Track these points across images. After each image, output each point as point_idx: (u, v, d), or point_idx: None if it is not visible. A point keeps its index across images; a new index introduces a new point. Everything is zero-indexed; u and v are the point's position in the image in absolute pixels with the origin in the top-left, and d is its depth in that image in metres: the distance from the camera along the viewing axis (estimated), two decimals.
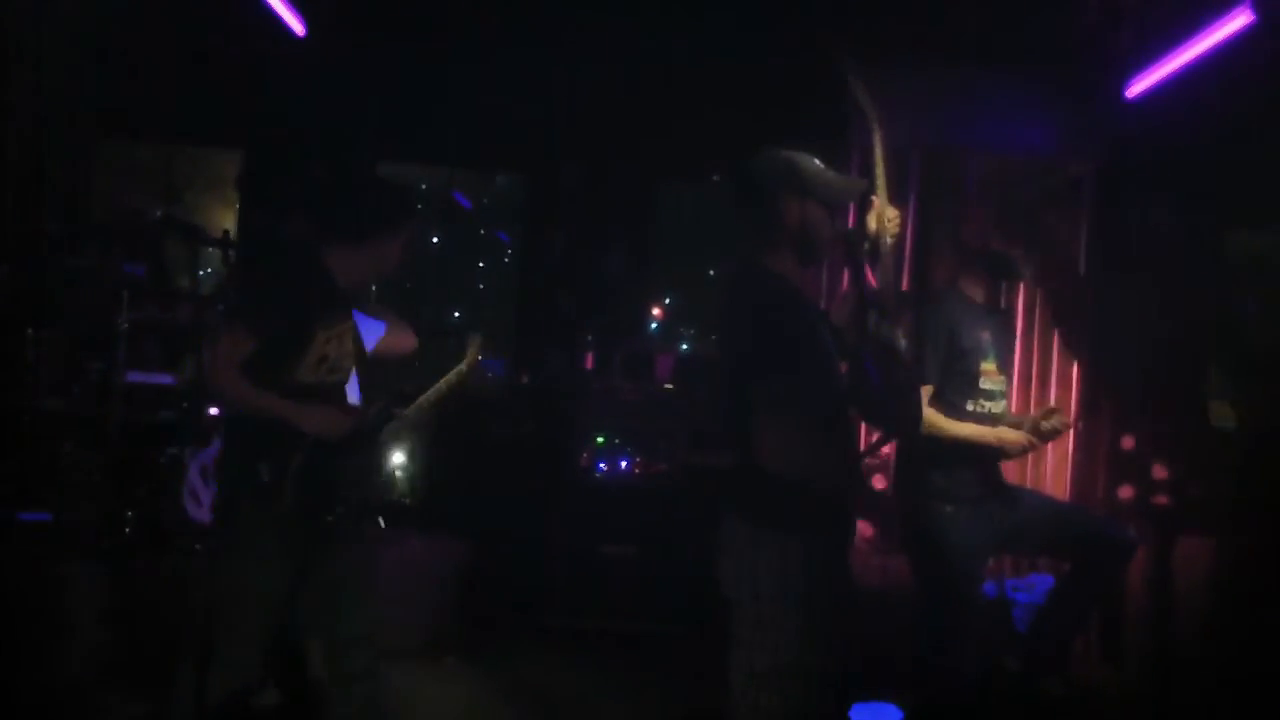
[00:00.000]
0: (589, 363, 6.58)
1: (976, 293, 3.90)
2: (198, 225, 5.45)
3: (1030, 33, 5.56)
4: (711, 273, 10.46)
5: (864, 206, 3.11)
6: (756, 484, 2.73)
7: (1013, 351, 4.01)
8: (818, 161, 2.99)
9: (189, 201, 7.90)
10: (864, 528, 5.48)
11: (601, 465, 6.05)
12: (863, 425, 4.90)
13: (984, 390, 3.80)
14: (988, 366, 3.80)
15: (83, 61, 5.98)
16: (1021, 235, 3.89)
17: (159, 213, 5.26)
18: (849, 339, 2.93)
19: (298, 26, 5.86)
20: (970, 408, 3.77)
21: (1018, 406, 5.87)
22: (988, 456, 3.77)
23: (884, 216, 3.07)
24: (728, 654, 2.79)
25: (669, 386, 6.29)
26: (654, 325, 7.79)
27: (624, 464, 6.07)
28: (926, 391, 3.67)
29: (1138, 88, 5.54)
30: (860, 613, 3.18)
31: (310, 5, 5.89)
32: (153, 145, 7.57)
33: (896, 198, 3.17)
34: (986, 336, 3.82)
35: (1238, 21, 4.84)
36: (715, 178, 7.60)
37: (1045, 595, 4.91)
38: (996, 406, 3.84)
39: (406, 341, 3.76)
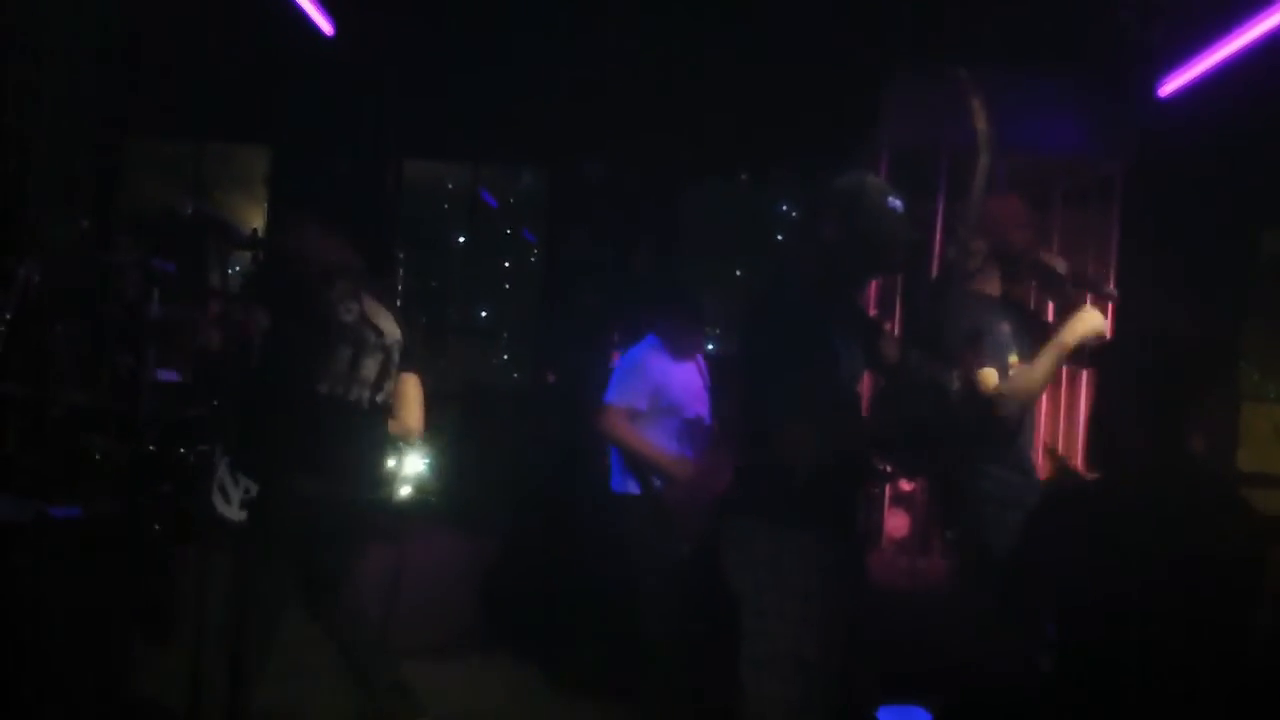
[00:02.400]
0: (615, 361, 6.57)
1: (989, 286, 3.82)
2: (230, 221, 5.47)
3: (1062, 32, 5.53)
4: (738, 272, 10.43)
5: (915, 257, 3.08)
6: (757, 480, 2.83)
7: (1032, 341, 3.95)
8: (889, 197, 2.97)
9: (218, 199, 7.94)
10: (897, 528, 5.46)
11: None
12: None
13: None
14: (1013, 359, 3.75)
15: (113, 59, 6.02)
16: (1038, 229, 3.82)
17: (190, 209, 5.27)
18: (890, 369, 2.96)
19: (326, 25, 5.88)
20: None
21: (1047, 408, 5.85)
22: (1024, 448, 3.71)
23: (967, 252, 3.03)
24: (737, 646, 2.85)
25: None
26: None
27: None
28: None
29: (1170, 86, 5.49)
30: (876, 610, 3.18)
31: (338, 4, 5.91)
32: (182, 142, 7.62)
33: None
34: (1007, 328, 3.76)
35: (1272, 20, 4.79)
36: (744, 176, 7.58)
37: None
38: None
39: None
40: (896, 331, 3.24)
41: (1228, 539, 2.42)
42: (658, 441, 4.45)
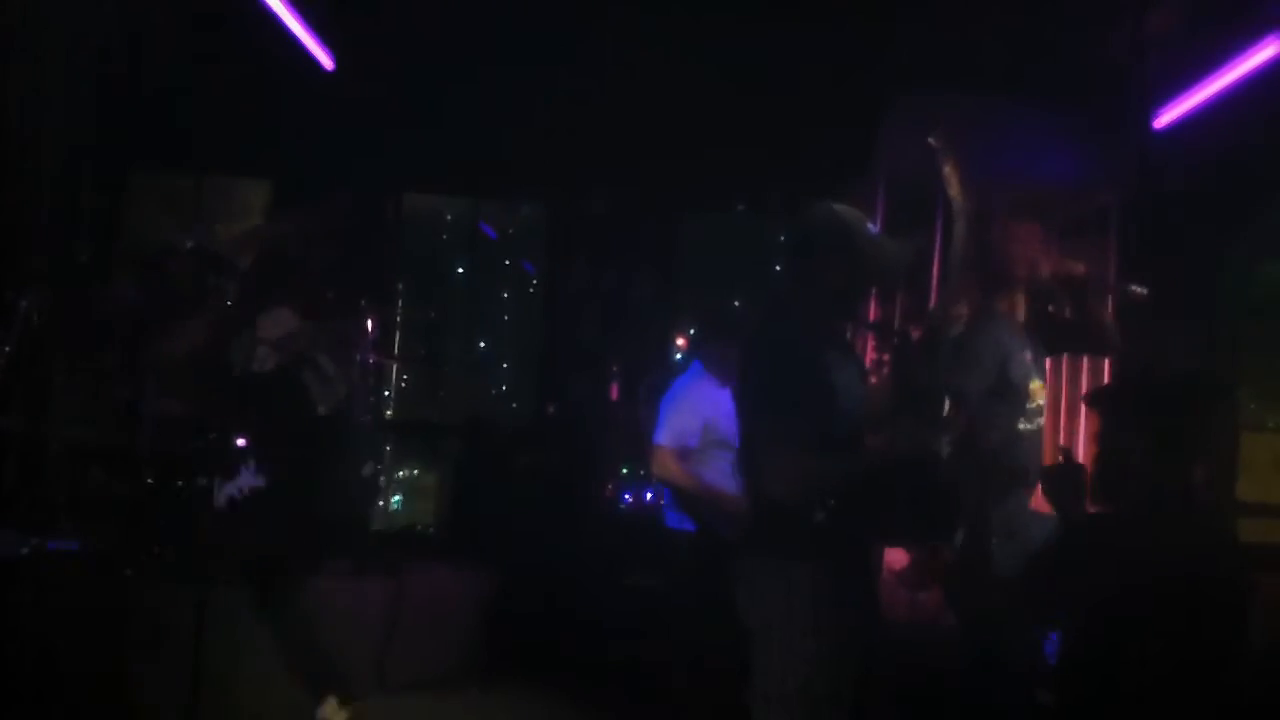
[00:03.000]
0: (614, 393, 6.58)
1: (1018, 313, 3.83)
2: (227, 256, 5.50)
3: (1058, 63, 5.56)
4: (736, 303, 10.45)
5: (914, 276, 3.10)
6: (764, 516, 2.83)
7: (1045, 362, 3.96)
8: (870, 225, 2.99)
9: (219, 232, 7.96)
10: (897, 559, 5.43)
11: (627, 496, 6.03)
12: None
13: (1033, 409, 3.76)
14: (1035, 386, 3.76)
15: (115, 92, 6.06)
16: (1062, 255, 3.85)
17: (189, 243, 5.29)
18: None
19: (326, 60, 5.92)
20: (1021, 427, 3.73)
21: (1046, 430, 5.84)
22: (1027, 482, 3.72)
23: (949, 316, 3.04)
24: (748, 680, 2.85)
25: None
26: (679, 355, 7.78)
27: (649, 495, 6.04)
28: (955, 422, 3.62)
29: (1166, 118, 5.52)
30: (882, 641, 3.18)
31: (338, 39, 5.96)
32: (183, 175, 7.65)
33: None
34: (1029, 358, 3.77)
35: (1267, 52, 4.82)
36: (740, 207, 7.61)
37: None
38: (1041, 420, 3.82)
39: None
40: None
41: (1218, 568, 2.47)
42: (713, 478, 4.34)
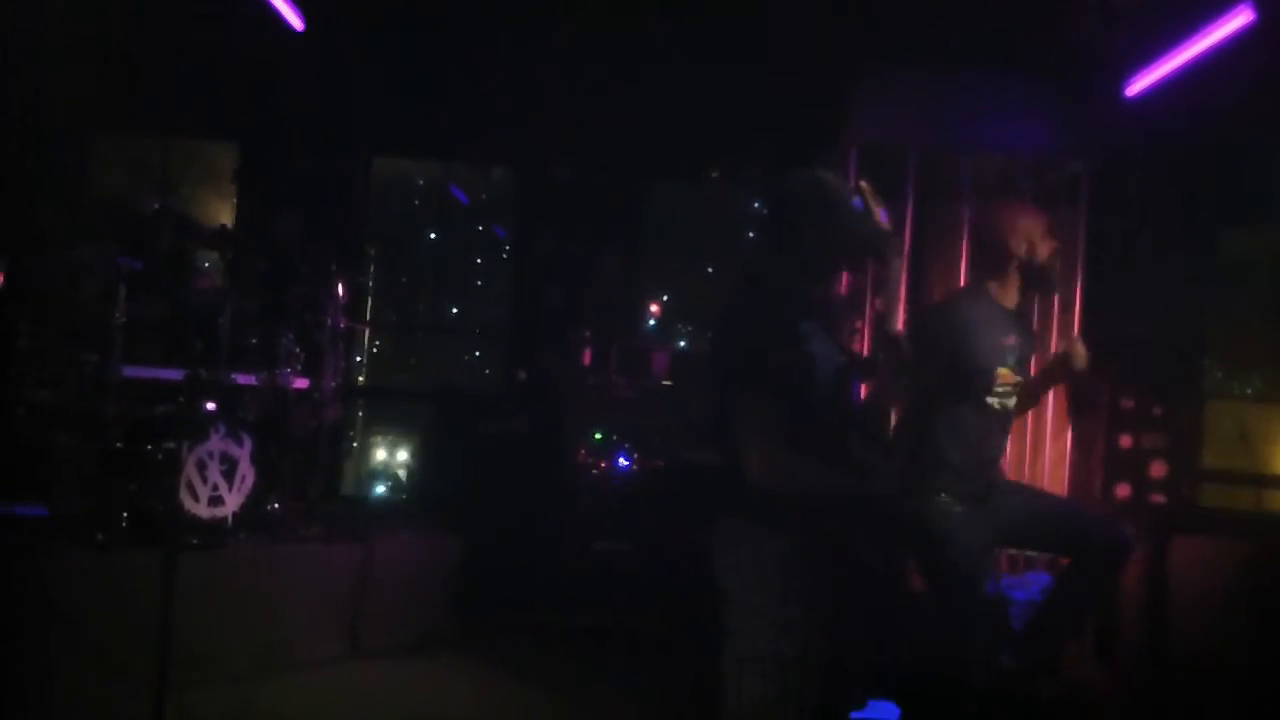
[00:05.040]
0: (586, 359, 6.57)
1: (1005, 295, 3.82)
2: (194, 218, 5.44)
3: (1029, 33, 5.57)
4: (710, 270, 10.45)
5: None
6: (740, 484, 2.80)
7: (1032, 352, 3.96)
8: (852, 195, 2.97)
9: (185, 195, 7.87)
10: None
11: (599, 462, 6.04)
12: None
13: (997, 393, 3.77)
14: (1003, 372, 3.75)
15: (78, 54, 5.96)
16: (1055, 235, 3.85)
17: (155, 205, 5.23)
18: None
19: (296, 21, 5.84)
20: (981, 407, 3.73)
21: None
22: (990, 450, 3.75)
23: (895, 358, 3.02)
24: (721, 644, 2.88)
25: (667, 383, 6.27)
26: (651, 322, 7.77)
27: (622, 460, 6.06)
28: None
29: (1137, 87, 5.54)
30: (861, 608, 3.20)
31: (308, 0, 5.88)
32: (149, 138, 7.55)
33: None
34: (1010, 342, 3.76)
35: (1238, 20, 4.84)
36: (714, 174, 7.59)
37: (1042, 593, 4.90)
38: (1009, 402, 3.83)
39: None
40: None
41: None
42: None
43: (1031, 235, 3.76)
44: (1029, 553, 5.38)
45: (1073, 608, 4.06)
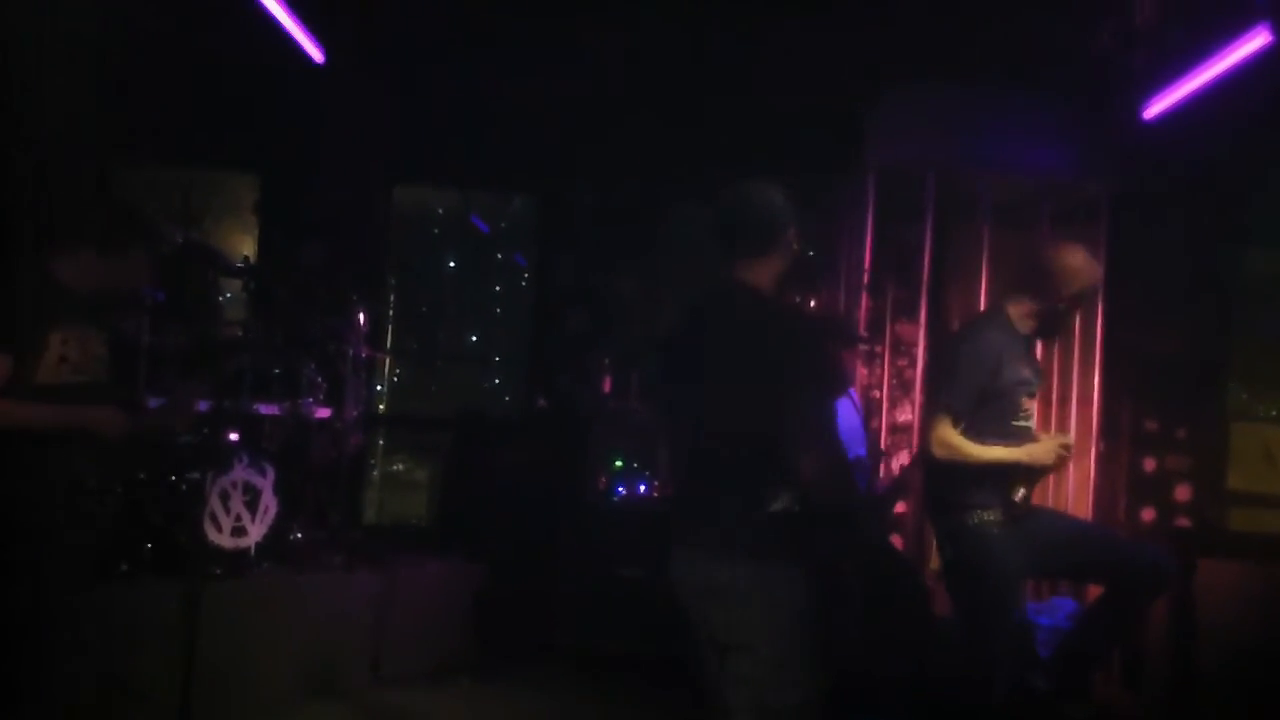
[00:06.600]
0: (606, 385, 6.57)
1: (1025, 323, 3.81)
2: (218, 250, 5.49)
3: (1048, 54, 5.57)
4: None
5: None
6: (734, 515, 2.70)
7: (1041, 378, 3.97)
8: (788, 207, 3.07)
9: (208, 226, 7.93)
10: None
11: (619, 488, 6.04)
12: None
13: (1021, 417, 3.76)
14: (1028, 401, 3.76)
15: (102, 86, 6.02)
16: (1097, 269, 3.86)
17: (179, 237, 5.28)
18: None
19: (316, 53, 5.90)
20: (1005, 433, 3.72)
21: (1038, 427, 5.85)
22: (1024, 476, 3.73)
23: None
24: (724, 691, 2.79)
25: None
26: None
27: (641, 487, 6.04)
28: (943, 422, 3.65)
29: (1155, 109, 5.53)
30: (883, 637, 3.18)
31: (328, 31, 5.93)
32: (172, 170, 7.62)
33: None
34: (1028, 372, 3.77)
35: (1256, 41, 4.83)
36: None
37: (1068, 618, 4.87)
38: (1031, 425, 3.82)
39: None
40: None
41: None
42: None
43: (1086, 280, 3.76)
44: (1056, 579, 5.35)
45: (1107, 634, 4.03)
